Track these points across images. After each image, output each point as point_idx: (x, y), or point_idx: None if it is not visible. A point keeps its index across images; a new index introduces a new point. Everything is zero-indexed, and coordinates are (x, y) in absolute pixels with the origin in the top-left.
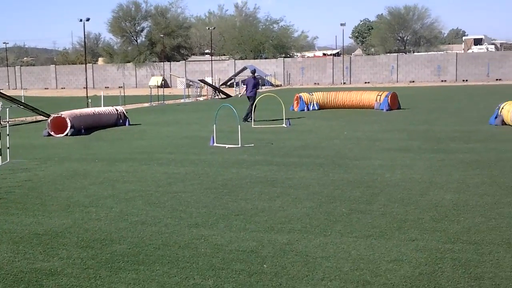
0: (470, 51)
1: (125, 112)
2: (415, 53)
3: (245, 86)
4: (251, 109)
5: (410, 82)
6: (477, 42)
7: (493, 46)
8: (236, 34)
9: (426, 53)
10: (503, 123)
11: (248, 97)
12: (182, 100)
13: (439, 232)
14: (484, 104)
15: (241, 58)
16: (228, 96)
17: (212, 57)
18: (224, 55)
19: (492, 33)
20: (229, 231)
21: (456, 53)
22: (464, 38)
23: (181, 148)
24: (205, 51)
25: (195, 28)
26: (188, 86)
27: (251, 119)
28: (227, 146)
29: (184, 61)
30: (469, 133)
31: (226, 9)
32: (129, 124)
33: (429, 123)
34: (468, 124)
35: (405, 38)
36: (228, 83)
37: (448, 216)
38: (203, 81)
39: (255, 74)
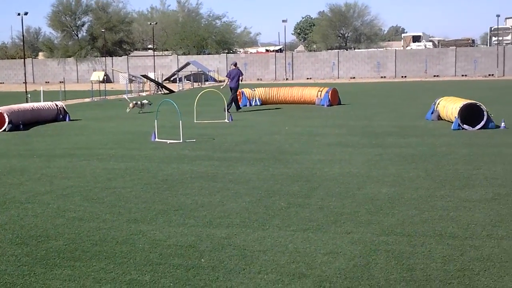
0: (408, 48)
1: (65, 108)
2: (355, 50)
3: (227, 77)
4: (232, 100)
5: (351, 78)
6: (416, 39)
7: (431, 43)
8: (178, 29)
9: (366, 49)
10: (439, 118)
11: (230, 88)
12: (124, 96)
13: (374, 225)
14: (421, 99)
15: (184, 54)
16: (171, 91)
17: (155, 52)
18: (167, 50)
19: (430, 30)
20: (168, 226)
21: (395, 50)
22: (403, 35)
23: (122, 144)
24: (148, 46)
25: (137, 23)
26: (130, 81)
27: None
28: (168, 141)
29: (126, 56)
30: (406, 128)
31: (169, 4)
32: (70, 120)
33: (368, 118)
34: (405, 120)
35: (346, 35)
36: (171, 79)
37: (383, 209)
38: (145, 76)
39: (236, 66)
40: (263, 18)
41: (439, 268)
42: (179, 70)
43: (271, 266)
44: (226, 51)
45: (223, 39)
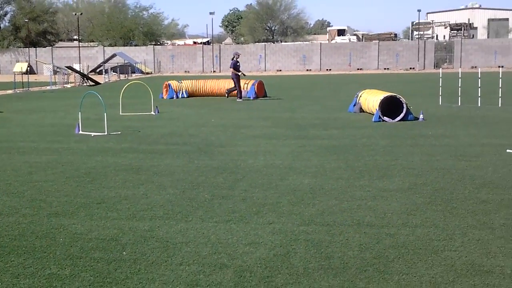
0: (334, 41)
1: None
2: (282, 43)
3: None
4: (239, 87)
5: (278, 71)
6: (341, 33)
7: (355, 37)
8: (105, 20)
9: (292, 43)
10: (361, 110)
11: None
12: (48, 87)
13: (295, 215)
14: (344, 92)
15: (110, 45)
16: (97, 83)
17: (80, 43)
18: (92, 41)
19: (355, 24)
20: (90, 220)
21: (320, 43)
22: (328, 29)
23: (44, 137)
24: (73, 37)
25: (62, 14)
26: (55, 72)
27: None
28: (93, 134)
29: (50, 47)
30: (328, 120)
31: None
32: None
33: (293, 110)
34: (328, 112)
35: (273, 28)
36: (97, 70)
37: (304, 200)
38: (70, 67)
39: (233, 57)
40: (191, 10)
41: (356, 256)
42: (105, 62)
43: (193, 257)
44: (154, 43)
45: (150, 31)
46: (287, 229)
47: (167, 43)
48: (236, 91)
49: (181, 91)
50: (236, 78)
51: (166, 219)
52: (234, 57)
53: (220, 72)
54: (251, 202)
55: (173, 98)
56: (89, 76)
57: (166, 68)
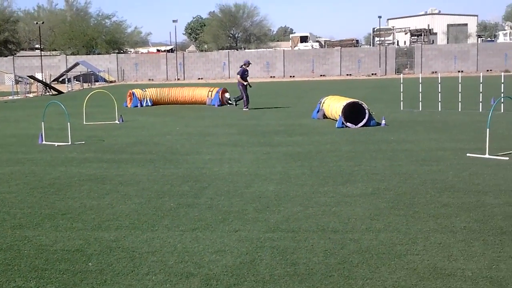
0: (296, 48)
1: None
2: (246, 50)
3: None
4: (244, 96)
5: None
6: (303, 39)
7: (317, 44)
8: (67, 29)
9: (256, 50)
10: (325, 116)
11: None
12: (10, 97)
13: (260, 222)
14: (308, 99)
15: (72, 54)
16: (60, 92)
17: (42, 52)
18: (55, 50)
19: (317, 31)
20: (55, 231)
21: (284, 50)
22: (291, 35)
23: (6, 147)
24: (35, 46)
25: (24, 23)
26: (16, 82)
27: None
28: (56, 144)
29: (12, 57)
30: (293, 127)
31: (56, 3)
32: None
33: (257, 118)
34: (292, 118)
35: (236, 35)
36: (60, 79)
37: (270, 207)
38: (32, 77)
39: (243, 64)
40: (154, 18)
41: (321, 261)
42: (68, 71)
43: (160, 266)
44: (117, 51)
45: (113, 39)
46: (253, 237)
47: (131, 51)
48: (241, 99)
49: (145, 100)
50: (243, 86)
51: (132, 229)
52: (243, 64)
53: (184, 79)
54: (217, 210)
55: (137, 106)
56: (52, 85)
57: (130, 76)
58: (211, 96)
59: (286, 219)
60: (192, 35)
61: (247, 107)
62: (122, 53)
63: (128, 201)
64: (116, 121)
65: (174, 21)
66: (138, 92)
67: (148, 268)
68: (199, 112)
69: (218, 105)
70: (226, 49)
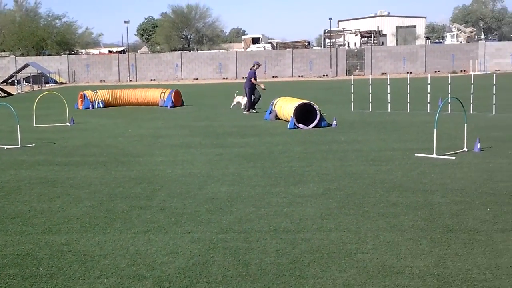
0: (249, 49)
1: None
2: (198, 51)
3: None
4: (250, 99)
5: (194, 79)
6: (255, 41)
7: (269, 45)
8: (16, 29)
9: (208, 51)
10: (277, 118)
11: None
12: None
13: (213, 224)
14: (261, 100)
15: (22, 55)
16: (9, 94)
17: None
18: (4, 51)
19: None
20: (4, 235)
21: (236, 51)
22: (243, 37)
23: None
24: None
25: None
26: None
27: (250, 109)
28: (5, 147)
29: None
30: (245, 128)
31: (5, 3)
32: None
33: (210, 119)
34: (245, 120)
35: (189, 37)
36: (9, 81)
37: (222, 208)
38: None
39: (252, 66)
40: (105, 18)
41: (273, 261)
42: (17, 72)
43: (112, 270)
44: (68, 52)
45: (63, 40)
46: (205, 238)
47: (82, 53)
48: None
49: (97, 101)
50: (250, 89)
51: (84, 232)
52: (253, 66)
53: (136, 81)
54: (170, 212)
55: (88, 108)
56: (1, 87)
57: (81, 77)
58: (163, 97)
59: (238, 220)
60: (144, 36)
61: (248, 110)
62: (73, 54)
63: (79, 204)
64: (67, 123)
65: (125, 22)
66: (89, 93)
67: (100, 271)
68: (152, 113)
69: (171, 107)
70: (178, 51)
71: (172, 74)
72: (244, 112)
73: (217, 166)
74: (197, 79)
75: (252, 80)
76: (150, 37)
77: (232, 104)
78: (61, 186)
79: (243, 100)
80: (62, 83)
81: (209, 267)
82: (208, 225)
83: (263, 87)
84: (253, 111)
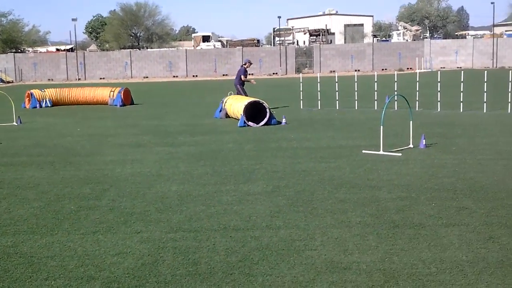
0: (199, 47)
1: None
2: (148, 49)
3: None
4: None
5: (144, 77)
6: (205, 39)
7: (219, 43)
8: None
9: (158, 49)
10: (227, 116)
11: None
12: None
13: (163, 223)
14: (211, 98)
15: None
16: None
17: None
18: None
19: (219, 30)
20: None
21: (186, 49)
22: (193, 35)
23: None
24: None
25: None
26: None
27: None
28: None
29: None
30: (196, 127)
31: None
32: None
33: (160, 117)
34: (195, 118)
35: (138, 34)
36: None
37: (172, 207)
38: None
39: (243, 64)
40: (53, 16)
41: (222, 260)
42: None
43: (59, 271)
44: (14, 51)
45: (9, 38)
46: (155, 237)
47: (29, 51)
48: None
49: (44, 100)
50: (241, 87)
51: (31, 234)
52: (244, 64)
53: (85, 79)
54: (119, 211)
55: (36, 107)
56: None
57: (28, 76)
58: (113, 96)
59: (188, 219)
60: (93, 34)
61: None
62: (19, 52)
63: (26, 205)
64: (14, 123)
65: (73, 19)
66: (36, 92)
67: (47, 273)
68: (101, 112)
69: (121, 105)
70: (128, 49)
71: (122, 72)
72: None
73: (167, 165)
74: (147, 77)
75: (242, 77)
76: (99, 35)
77: None
78: (8, 187)
79: None
80: (8, 82)
81: (158, 267)
82: (157, 225)
83: (253, 82)
84: None
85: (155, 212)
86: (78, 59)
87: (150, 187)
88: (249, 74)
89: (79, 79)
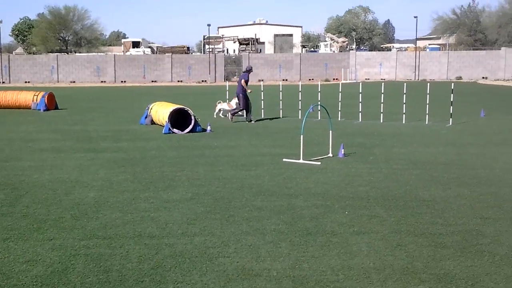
0: (128, 53)
1: None
2: (76, 54)
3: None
4: (246, 104)
5: (71, 82)
6: (136, 45)
7: (149, 49)
8: None
9: (86, 54)
10: (152, 122)
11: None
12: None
13: (77, 230)
14: (138, 104)
15: None
16: None
17: None
18: None
19: (150, 37)
20: None
21: (114, 55)
22: (123, 40)
23: None
24: None
25: None
26: None
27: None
28: None
29: None
30: (120, 133)
31: None
32: None
33: (84, 123)
34: (121, 124)
35: (66, 39)
36: None
37: (88, 214)
38: None
39: (246, 71)
40: None
41: (135, 267)
42: None
43: None
44: None
45: None
46: (67, 245)
47: None
48: (241, 111)
49: None
50: (243, 94)
51: None
52: (247, 70)
53: (10, 83)
54: (33, 218)
55: None
56: None
57: None
58: (36, 100)
59: (103, 226)
60: (20, 37)
61: (251, 117)
62: None
63: None
64: None
65: None
66: None
67: None
68: (23, 117)
69: (44, 110)
70: (56, 52)
71: (48, 76)
72: (247, 121)
73: (86, 171)
74: (74, 82)
75: (242, 82)
76: (26, 38)
77: (215, 112)
78: None
79: (229, 105)
80: None
81: (68, 275)
82: (71, 232)
83: (249, 90)
84: (252, 121)
85: (70, 219)
86: (3, 62)
87: (67, 193)
88: (179, 81)
89: (3, 82)
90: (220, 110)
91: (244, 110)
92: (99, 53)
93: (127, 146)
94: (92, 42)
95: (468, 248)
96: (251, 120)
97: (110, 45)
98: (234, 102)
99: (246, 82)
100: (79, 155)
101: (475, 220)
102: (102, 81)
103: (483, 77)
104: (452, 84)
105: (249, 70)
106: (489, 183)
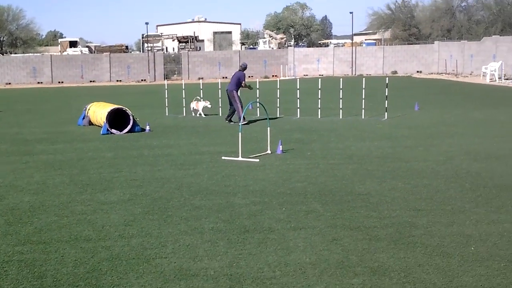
0: (65, 53)
1: None
2: (11, 55)
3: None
4: (238, 107)
5: (7, 84)
6: (73, 44)
7: (87, 49)
8: None
9: (22, 54)
10: (90, 123)
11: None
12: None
13: (10, 235)
14: (76, 105)
15: None
16: None
17: None
18: None
19: (88, 36)
20: None
21: (51, 55)
22: (60, 40)
23: None
24: None
25: None
26: None
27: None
28: None
29: None
30: (57, 134)
31: None
32: None
33: (20, 125)
34: (58, 126)
35: (1, 39)
36: None
37: (22, 219)
38: None
39: (242, 69)
40: None
41: (70, 272)
42: None
43: None
44: None
45: None
46: (0, 251)
47: None
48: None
49: None
50: (238, 95)
51: None
52: (243, 69)
53: None
54: None
55: None
56: None
57: None
58: None
59: (38, 231)
60: None
61: (244, 119)
62: None
63: None
64: None
65: None
66: None
67: None
68: None
69: None
70: None
71: None
72: (240, 123)
73: (21, 175)
74: (9, 83)
75: (243, 83)
76: None
77: (198, 112)
78: None
79: (197, 105)
80: None
81: (0, 282)
82: (4, 238)
83: (251, 88)
84: (231, 122)
85: (3, 225)
86: None
87: (1, 198)
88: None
89: None
90: (194, 109)
91: (239, 111)
92: (35, 54)
93: (64, 148)
94: (28, 43)
95: (401, 240)
96: (231, 121)
97: (47, 45)
98: (202, 104)
99: (243, 81)
100: (13, 158)
101: (408, 212)
102: (39, 82)
103: (417, 71)
104: (387, 78)
105: (245, 68)
106: (422, 175)
